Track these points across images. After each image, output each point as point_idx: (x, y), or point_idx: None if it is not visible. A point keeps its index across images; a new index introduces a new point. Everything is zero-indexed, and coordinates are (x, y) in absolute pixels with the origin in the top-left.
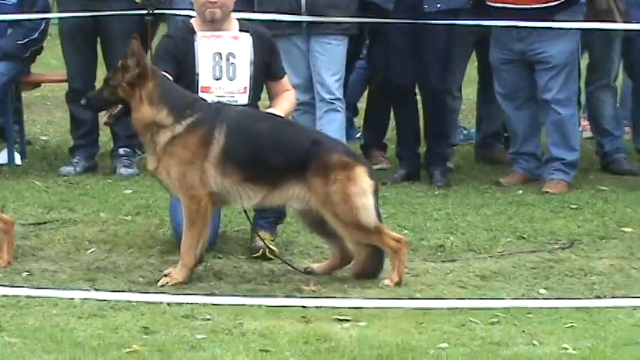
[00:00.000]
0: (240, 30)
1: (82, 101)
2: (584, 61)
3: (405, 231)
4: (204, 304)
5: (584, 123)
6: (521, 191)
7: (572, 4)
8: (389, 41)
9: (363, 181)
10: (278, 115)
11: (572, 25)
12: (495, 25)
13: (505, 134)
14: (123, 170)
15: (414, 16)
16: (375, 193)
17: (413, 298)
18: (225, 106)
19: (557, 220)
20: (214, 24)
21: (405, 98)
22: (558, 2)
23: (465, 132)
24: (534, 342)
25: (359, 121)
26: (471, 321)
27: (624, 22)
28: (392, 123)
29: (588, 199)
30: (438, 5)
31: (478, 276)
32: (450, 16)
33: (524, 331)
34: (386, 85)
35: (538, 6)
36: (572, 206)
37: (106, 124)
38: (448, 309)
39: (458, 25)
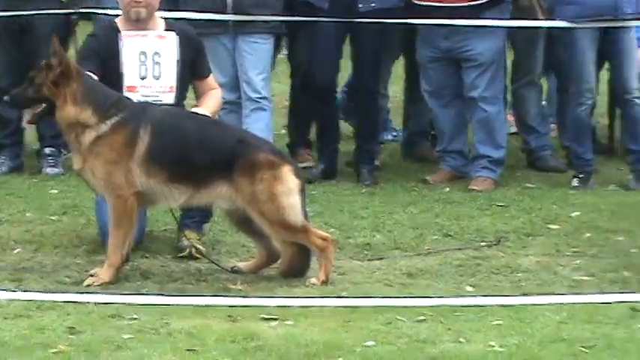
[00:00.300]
0: (166, 29)
1: (6, 98)
2: (510, 59)
3: (332, 229)
4: (131, 304)
5: (510, 118)
6: (448, 189)
7: (499, 2)
8: (316, 40)
9: (289, 180)
10: (204, 114)
11: (497, 22)
12: (425, 24)
13: (432, 132)
14: (49, 170)
15: (349, 15)
16: (302, 192)
17: (340, 297)
18: (151, 106)
19: (483, 217)
20: (139, 23)
21: (326, 96)
22: (484, 1)
23: (395, 133)
24: (461, 339)
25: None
26: (397, 319)
27: (548, 19)
28: None
29: (515, 196)
30: (373, 4)
31: (405, 274)
32: (383, 15)
33: (450, 329)
34: (309, 82)
35: (466, 4)
36: (498, 204)
37: (29, 122)
38: (375, 307)
39: (390, 23)
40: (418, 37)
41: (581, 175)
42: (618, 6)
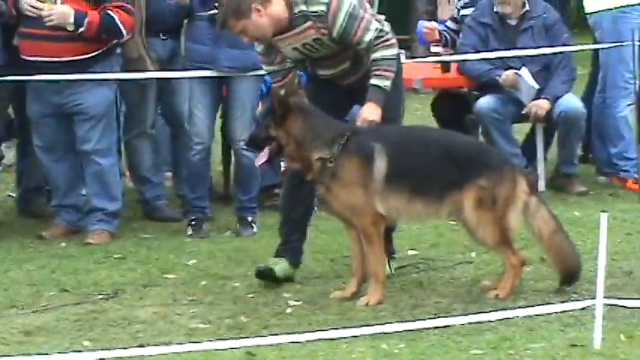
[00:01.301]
0: None
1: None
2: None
3: None
4: None
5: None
6: (64, 244)
7: (109, 55)
8: None
9: None
10: None
11: (105, 75)
12: (30, 80)
13: (47, 187)
14: None
15: None
16: None
17: None
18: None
19: (100, 270)
20: None
21: None
22: (93, 54)
23: None
24: None
25: None
26: None
27: (159, 70)
28: None
29: (132, 247)
30: None
31: (21, 332)
32: None
33: None
34: None
35: (73, 58)
36: (115, 256)
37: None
38: None
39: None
40: (28, 92)
41: (193, 223)
42: (215, 58)
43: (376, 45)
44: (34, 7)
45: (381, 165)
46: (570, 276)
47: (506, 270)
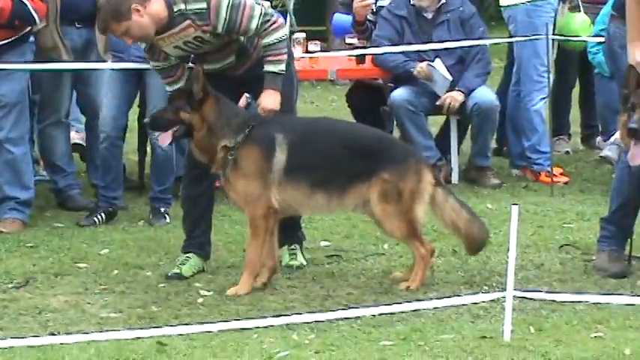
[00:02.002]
0: None
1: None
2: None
3: None
4: None
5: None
6: None
7: (22, 43)
8: None
9: None
10: None
11: (19, 66)
12: None
13: None
14: None
15: None
16: None
17: None
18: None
19: (12, 259)
20: None
21: None
22: (5, 42)
23: None
24: None
25: None
26: None
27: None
28: None
29: (44, 236)
30: None
31: None
32: None
33: None
34: None
35: None
36: (27, 244)
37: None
38: None
39: None
40: None
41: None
42: (125, 47)
43: (265, 30)
44: None
45: (281, 156)
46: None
47: (416, 261)
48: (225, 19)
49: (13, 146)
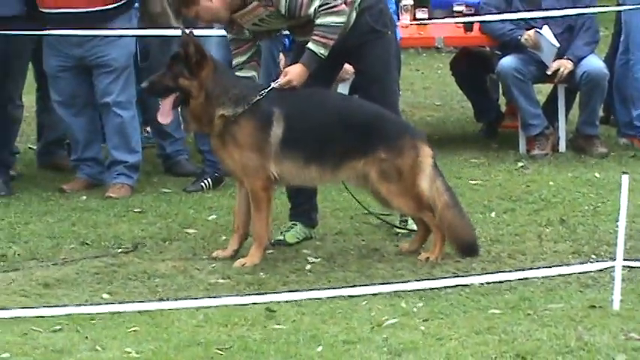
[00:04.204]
0: None
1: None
2: None
3: None
4: None
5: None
6: (85, 197)
7: (128, 7)
8: None
9: None
10: None
11: (129, 32)
12: (54, 35)
13: (67, 141)
14: None
15: None
16: None
17: None
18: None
19: (120, 224)
20: None
21: None
22: (113, 6)
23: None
24: (97, 347)
25: None
26: (33, 330)
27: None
28: None
29: (152, 202)
30: None
31: (41, 284)
32: (5, 23)
33: (87, 338)
34: None
35: (93, 9)
36: (135, 210)
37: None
38: (10, 319)
39: (13, 35)
40: (45, 45)
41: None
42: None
43: (320, 11)
44: None
45: (277, 130)
46: (467, 248)
47: (433, 232)
48: (286, 2)
49: (122, 110)
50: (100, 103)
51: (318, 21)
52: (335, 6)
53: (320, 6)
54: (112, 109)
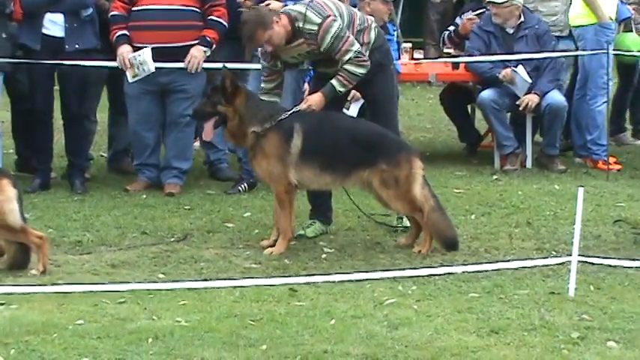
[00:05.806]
0: None
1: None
2: None
3: (50, 230)
4: None
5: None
6: (144, 196)
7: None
8: (33, 75)
9: (8, 191)
10: None
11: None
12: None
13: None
14: None
15: (58, 55)
16: (19, 199)
17: (55, 284)
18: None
19: (173, 218)
20: None
21: (44, 119)
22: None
23: None
24: (154, 317)
25: None
26: (102, 302)
27: None
28: None
29: (198, 200)
30: (77, 46)
31: (109, 265)
32: (85, 54)
33: (146, 309)
34: (32, 110)
35: (186, 44)
36: (185, 207)
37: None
38: (84, 292)
39: (90, 66)
40: None
41: (235, 184)
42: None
43: (351, 60)
44: None
45: (297, 142)
46: (449, 244)
47: (423, 229)
48: (329, 44)
49: (188, 127)
50: (173, 121)
51: (346, 67)
52: (364, 60)
53: (354, 57)
54: (183, 127)
